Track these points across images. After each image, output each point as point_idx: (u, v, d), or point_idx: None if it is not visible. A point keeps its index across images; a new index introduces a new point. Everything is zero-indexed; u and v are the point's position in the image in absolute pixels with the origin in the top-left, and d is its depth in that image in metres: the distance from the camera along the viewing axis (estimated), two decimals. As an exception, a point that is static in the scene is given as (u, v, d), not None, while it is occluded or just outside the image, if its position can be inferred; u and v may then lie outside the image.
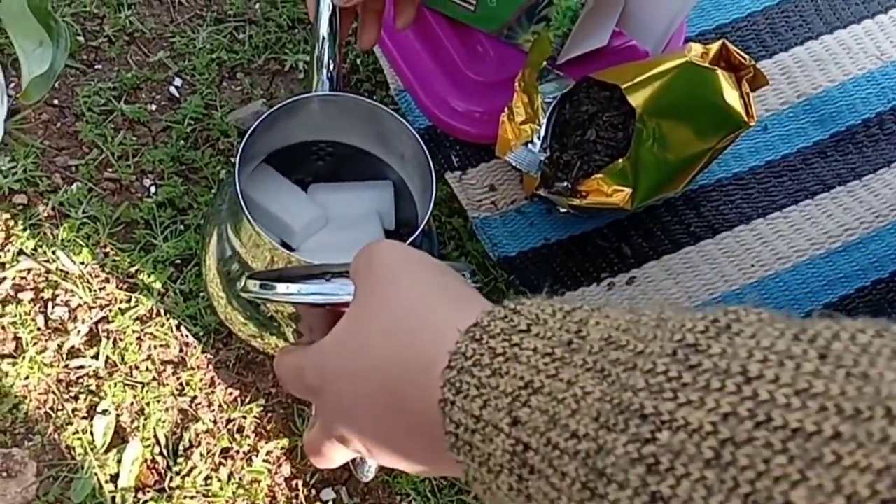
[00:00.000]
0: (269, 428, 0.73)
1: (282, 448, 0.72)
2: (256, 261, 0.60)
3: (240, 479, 0.71)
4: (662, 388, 0.25)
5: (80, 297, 0.75)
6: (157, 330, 0.74)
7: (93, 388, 0.72)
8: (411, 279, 0.37)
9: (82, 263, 0.75)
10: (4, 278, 0.75)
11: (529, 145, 0.73)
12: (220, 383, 0.74)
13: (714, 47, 0.73)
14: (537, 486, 0.28)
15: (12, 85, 0.81)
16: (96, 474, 0.70)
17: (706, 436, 0.23)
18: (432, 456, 0.35)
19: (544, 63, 0.74)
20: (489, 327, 0.32)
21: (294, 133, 0.67)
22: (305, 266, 0.52)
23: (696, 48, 0.73)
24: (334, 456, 0.42)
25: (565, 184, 0.73)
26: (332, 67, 0.64)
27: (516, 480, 0.29)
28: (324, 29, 0.64)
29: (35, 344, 0.73)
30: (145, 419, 0.72)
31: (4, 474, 0.69)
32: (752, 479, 0.22)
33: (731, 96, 0.72)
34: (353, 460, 0.57)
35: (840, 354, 0.23)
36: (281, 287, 0.45)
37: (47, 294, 0.74)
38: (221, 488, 0.70)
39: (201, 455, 0.71)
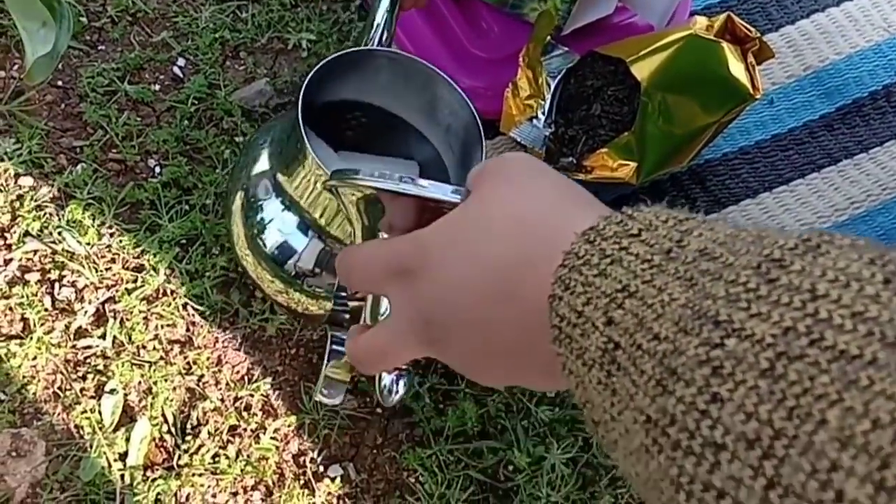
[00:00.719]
0: (276, 406, 0.73)
1: (289, 425, 0.72)
2: (315, 202, 0.60)
3: (248, 456, 0.71)
4: (739, 297, 0.26)
5: (87, 278, 0.75)
6: (163, 309, 0.74)
7: (100, 367, 0.73)
8: (543, 184, 0.39)
9: (88, 244, 0.76)
10: (11, 260, 0.75)
11: (534, 121, 0.73)
12: (226, 362, 0.74)
13: (719, 20, 0.73)
14: (622, 382, 0.29)
15: (16, 66, 0.81)
16: (105, 453, 0.70)
17: (766, 347, 0.25)
18: (523, 347, 0.36)
19: (549, 38, 0.73)
20: (604, 230, 0.33)
21: (343, 88, 0.66)
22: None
23: (701, 21, 0.72)
24: (397, 354, 0.42)
25: (570, 159, 0.73)
26: (385, 37, 0.64)
27: (605, 375, 0.30)
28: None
29: (42, 325, 0.73)
30: (153, 398, 0.72)
31: (14, 454, 0.70)
32: (797, 394, 0.23)
33: (737, 69, 0.72)
34: (381, 382, 0.56)
35: None
36: (384, 172, 0.44)
37: (54, 275, 0.75)
38: (229, 466, 0.71)
39: (209, 433, 0.71)
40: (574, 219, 0.35)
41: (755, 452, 0.24)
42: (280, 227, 0.64)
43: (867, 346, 0.23)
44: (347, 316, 0.65)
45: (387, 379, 0.55)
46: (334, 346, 0.65)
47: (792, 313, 0.25)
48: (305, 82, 0.57)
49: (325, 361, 0.64)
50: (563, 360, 0.33)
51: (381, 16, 0.65)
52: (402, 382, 0.55)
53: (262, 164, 0.66)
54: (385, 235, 0.46)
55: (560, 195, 0.38)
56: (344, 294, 0.64)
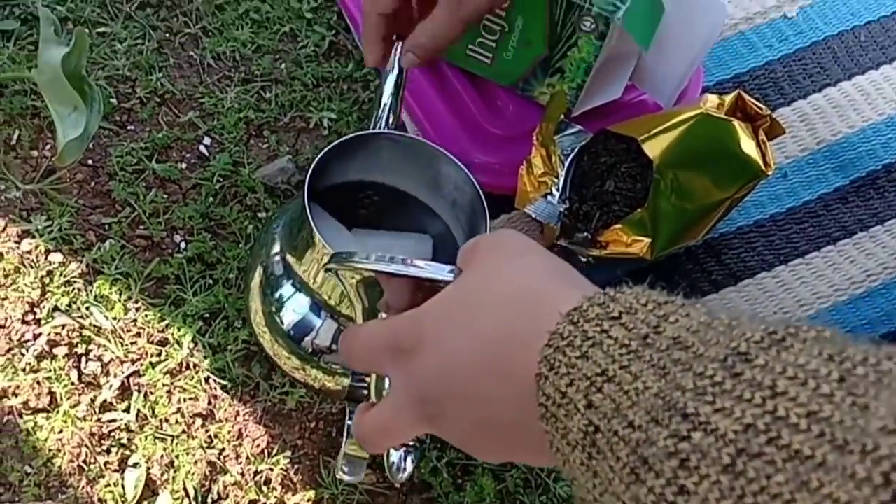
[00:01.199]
0: (295, 480, 0.74)
1: (308, 500, 0.73)
2: (323, 284, 0.61)
3: (267, 530, 0.72)
4: (706, 391, 0.27)
5: (113, 352, 0.76)
6: (186, 383, 0.76)
7: (124, 441, 0.74)
8: (532, 262, 0.40)
9: (115, 319, 0.78)
10: (40, 334, 0.77)
11: (548, 197, 0.75)
12: (247, 435, 0.75)
13: (729, 98, 0.74)
14: (601, 465, 0.30)
15: (48, 146, 0.84)
16: (127, 527, 0.71)
17: (728, 443, 0.26)
18: (516, 424, 0.37)
19: (561, 116, 0.75)
20: (587, 312, 0.34)
21: (350, 169, 0.69)
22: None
23: (712, 99, 0.74)
24: (398, 432, 0.43)
25: (585, 234, 0.74)
26: (390, 121, 0.67)
27: (587, 457, 0.31)
28: (391, 86, 0.67)
29: (69, 398, 0.75)
30: (175, 472, 0.73)
31: (38, 527, 0.71)
32: (755, 492, 0.24)
33: (748, 146, 0.73)
34: (389, 459, 0.57)
35: (856, 381, 0.25)
36: (380, 255, 0.45)
37: (81, 349, 0.76)
38: (249, 540, 0.71)
39: (229, 507, 0.72)
40: (560, 298, 0.36)
41: None
42: (295, 305, 0.66)
43: (818, 448, 0.24)
44: (366, 392, 0.67)
45: (395, 456, 0.56)
46: (350, 422, 0.66)
47: (753, 410, 0.26)
48: (311, 167, 0.59)
49: (345, 438, 0.65)
50: (549, 438, 0.34)
51: (387, 97, 0.68)
52: (409, 459, 0.55)
53: (277, 244, 0.68)
54: (384, 315, 0.48)
55: (548, 272, 0.40)
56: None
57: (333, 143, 0.61)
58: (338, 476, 0.65)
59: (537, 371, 0.34)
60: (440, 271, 0.44)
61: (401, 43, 0.68)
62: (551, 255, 0.41)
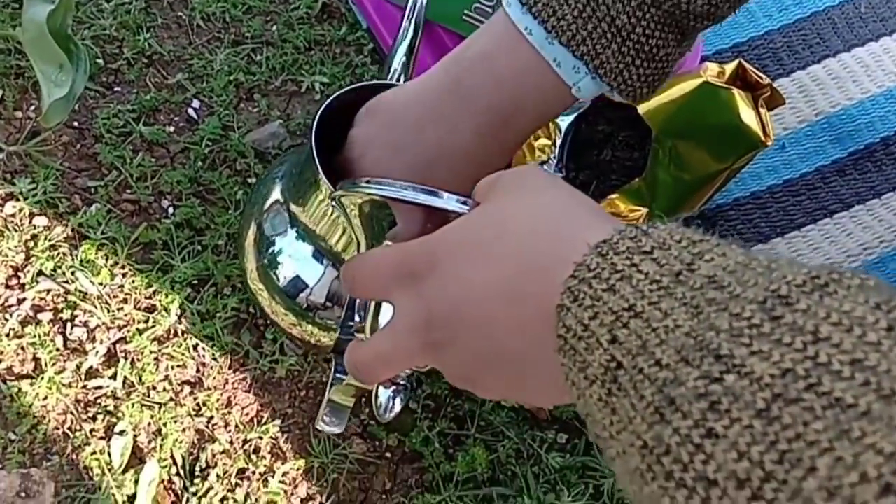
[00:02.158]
0: (285, 449, 0.73)
1: (298, 468, 0.72)
2: (329, 229, 0.61)
3: (256, 500, 0.71)
4: (742, 333, 0.26)
5: (99, 318, 0.75)
6: (174, 350, 0.75)
7: (110, 408, 0.73)
8: (558, 194, 0.39)
9: (101, 284, 0.76)
10: (24, 299, 0.75)
11: (545, 165, 0.73)
12: (236, 404, 0.74)
13: (730, 67, 0.73)
14: (622, 402, 0.29)
15: (33, 107, 0.82)
16: (113, 495, 0.70)
17: (763, 387, 0.25)
18: (524, 355, 0.36)
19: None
20: (617, 244, 0.33)
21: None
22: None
23: (713, 68, 0.73)
24: (398, 360, 0.42)
25: (581, 204, 0.73)
26: (403, 75, 0.66)
27: (606, 393, 0.30)
28: (406, 44, 0.66)
29: (54, 364, 0.73)
30: (162, 440, 0.72)
31: (23, 494, 0.70)
32: (790, 439, 0.23)
33: (748, 116, 0.72)
34: (377, 399, 0.56)
35: None
36: (398, 182, 0.44)
37: (66, 315, 0.75)
38: (238, 509, 0.70)
39: (218, 476, 0.71)
40: (587, 230, 0.35)
41: (744, 493, 0.24)
42: (293, 258, 0.65)
43: (863, 397, 0.23)
44: (357, 333, 0.66)
45: (383, 395, 0.55)
46: (338, 374, 0.65)
47: (792, 354, 0.25)
48: (319, 110, 0.58)
49: (329, 387, 0.64)
50: (566, 370, 0.33)
51: (398, 61, 0.66)
52: (398, 398, 0.54)
53: (275, 197, 0.66)
54: (390, 244, 0.46)
55: (574, 206, 0.38)
56: (352, 324, 0.65)
57: (345, 89, 0.59)
58: (318, 426, 0.63)
59: (559, 302, 0.33)
60: (452, 201, 0.42)
61: None
62: (577, 191, 0.40)
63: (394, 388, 0.55)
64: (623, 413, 0.29)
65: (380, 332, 0.42)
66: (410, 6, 0.67)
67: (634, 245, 0.32)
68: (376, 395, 0.55)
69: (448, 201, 0.42)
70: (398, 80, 0.66)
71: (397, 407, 0.55)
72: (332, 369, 0.65)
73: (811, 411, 0.23)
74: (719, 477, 0.24)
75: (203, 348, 0.75)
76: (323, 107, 0.58)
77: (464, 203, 0.42)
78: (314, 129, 0.57)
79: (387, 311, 0.44)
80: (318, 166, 0.56)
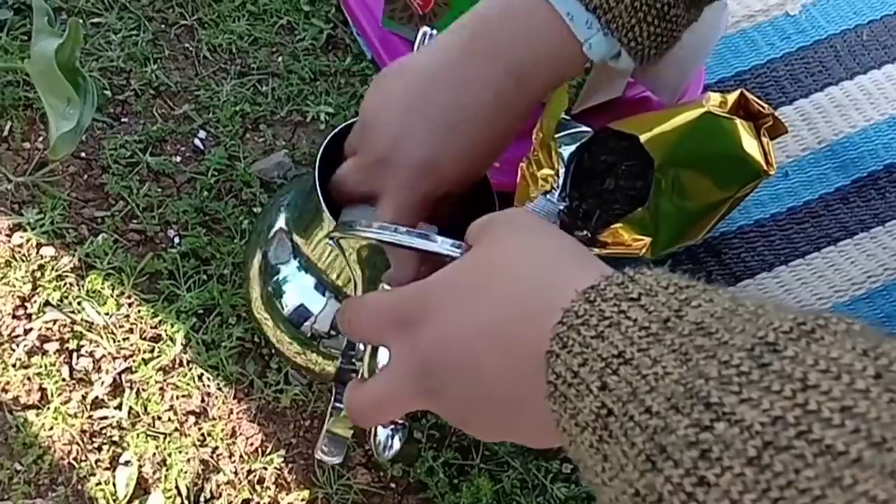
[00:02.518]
0: (289, 479, 0.73)
1: (302, 499, 0.72)
2: (331, 263, 0.61)
3: (260, 530, 0.71)
4: (731, 380, 0.27)
5: (105, 348, 0.75)
6: (179, 380, 0.75)
7: (116, 438, 0.73)
8: (546, 240, 0.39)
9: (107, 314, 0.76)
10: (31, 329, 0.76)
11: (548, 195, 0.74)
12: (241, 433, 0.74)
13: (732, 96, 0.73)
14: (613, 450, 0.30)
15: (41, 138, 0.83)
16: (118, 526, 0.70)
17: (754, 435, 0.25)
18: (516, 402, 0.37)
19: (562, 114, 0.74)
20: (604, 291, 0.33)
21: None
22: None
23: (715, 97, 0.73)
24: (394, 405, 0.42)
25: (585, 233, 0.73)
26: None
27: (597, 440, 0.30)
28: None
29: (60, 395, 0.74)
30: (167, 470, 0.72)
31: (28, 525, 0.70)
32: (782, 486, 0.23)
33: (751, 145, 0.72)
34: (376, 438, 0.56)
35: (894, 377, 0.24)
36: (393, 227, 0.44)
37: (72, 345, 0.75)
38: (242, 540, 0.70)
39: (222, 506, 0.71)
40: (575, 276, 0.35)
41: None
42: (297, 287, 0.65)
43: (853, 444, 0.23)
44: (355, 374, 0.66)
45: (382, 434, 0.55)
46: (337, 404, 0.65)
47: (782, 402, 0.25)
48: (324, 143, 0.58)
49: (328, 417, 0.64)
50: (556, 417, 0.33)
51: None
52: (397, 437, 0.54)
53: (280, 225, 0.67)
54: (387, 288, 0.47)
55: (562, 252, 0.39)
56: (353, 352, 0.65)
57: (347, 122, 0.59)
58: (317, 456, 0.63)
59: (548, 348, 0.33)
60: (445, 245, 0.43)
61: (426, 27, 0.67)
62: (566, 235, 0.40)
63: (392, 426, 0.55)
64: (615, 460, 0.29)
65: (376, 377, 0.42)
66: (420, 39, 0.67)
67: (622, 291, 0.33)
68: (375, 434, 0.55)
69: (441, 245, 0.43)
70: None
71: (396, 446, 0.55)
72: (332, 398, 0.65)
73: (802, 459, 0.24)
74: None
75: (208, 378, 0.75)
76: (326, 140, 0.58)
77: (457, 247, 0.42)
78: (317, 164, 0.57)
79: (385, 350, 0.45)
80: (322, 201, 0.56)
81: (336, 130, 0.59)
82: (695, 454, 0.26)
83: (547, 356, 0.33)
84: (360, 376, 0.49)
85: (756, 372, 0.26)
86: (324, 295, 0.64)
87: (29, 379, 0.74)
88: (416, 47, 0.66)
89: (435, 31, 0.66)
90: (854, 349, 0.26)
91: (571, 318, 0.33)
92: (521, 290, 0.37)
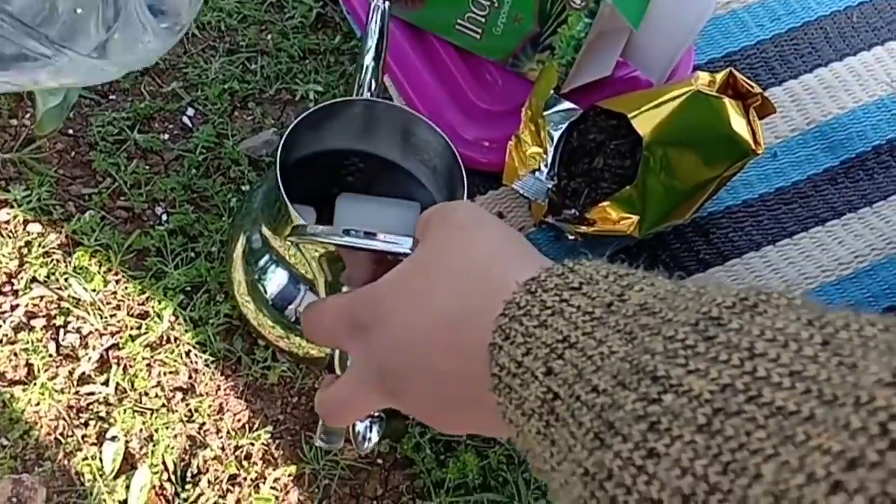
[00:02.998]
0: (276, 455, 0.73)
1: (289, 475, 0.72)
2: (298, 257, 0.61)
3: (247, 506, 0.71)
4: (677, 354, 0.27)
5: (92, 324, 0.75)
6: (166, 356, 0.75)
7: (102, 414, 0.73)
8: (484, 233, 0.40)
9: (94, 291, 0.76)
10: (17, 305, 0.76)
11: (536, 173, 0.74)
12: (228, 410, 0.74)
13: (721, 75, 0.73)
14: (560, 433, 0.30)
15: (28, 115, 0.83)
16: (105, 500, 0.70)
17: (703, 403, 0.25)
18: (467, 398, 0.37)
19: (551, 92, 0.74)
20: (545, 282, 0.34)
21: (329, 139, 0.67)
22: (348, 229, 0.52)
23: (704, 76, 0.73)
24: (358, 406, 0.43)
25: (573, 211, 0.73)
26: (373, 87, 0.66)
27: (544, 426, 0.31)
28: (372, 51, 0.65)
29: (46, 370, 0.74)
30: (154, 446, 0.72)
31: (15, 500, 0.70)
32: (733, 449, 0.24)
33: (739, 124, 0.72)
34: (355, 429, 0.57)
35: (841, 343, 0.25)
36: (339, 230, 0.45)
37: (59, 321, 0.75)
38: (229, 515, 0.70)
39: (209, 482, 0.71)
40: (515, 269, 0.36)
41: None
42: (280, 273, 0.65)
43: (805, 403, 0.23)
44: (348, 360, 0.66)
45: (360, 426, 0.56)
46: None
47: (730, 370, 0.25)
48: (282, 141, 0.58)
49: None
50: (502, 409, 0.34)
51: (368, 60, 0.66)
52: (375, 429, 0.55)
53: (256, 214, 0.67)
54: (346, 289, 0.48)
55: (502, 245, 0.39)
56: None
57: (302, 115, 0.60)
58: (316, 444, 0.64)
59: (491, 341, 0.34)
60: (398, 244, 0.43)
61: (380, 1, 0.66)
62: (505, 226, 0.41)
63: (370, 419, 0.56)
64: (563, 443, 0.30)
65: (341, 379, 0.43)
66: (372, 10, 0.66)
67: (562, 281, 0.33)
68: (353, 427, 0.56)
69: (387, 244, 0.43)
70: (369, 86, 0.66)
71: (374, 438, 0.56)
72: None
73: (753, 421, 0.24)
74: (664, 496, 0.25)
75: (195, 354, 0.75)
76: (287, 133, 0.58)
77: (409, 244, 0.43)
78: (278, 163, 0.57)
79: None
80: (287, 201, 0.56)
81: (294, 124, 0.59)
82: (643, 427, 0.26)
83: (490, 349, 0.34)
84: (333, 373, 0.49)
85: (702, 344, 0.27)
86: (300, 284, 0.64)
87: (16, 355, 0.74)
88: (366, 21, 0.66)
89: (387, 4, 0.65)
90: (799, 319, 0.26)
91: (513, 310, 0.33)
92: (461, 288, 0.37)
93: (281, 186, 0.57)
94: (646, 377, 0.27)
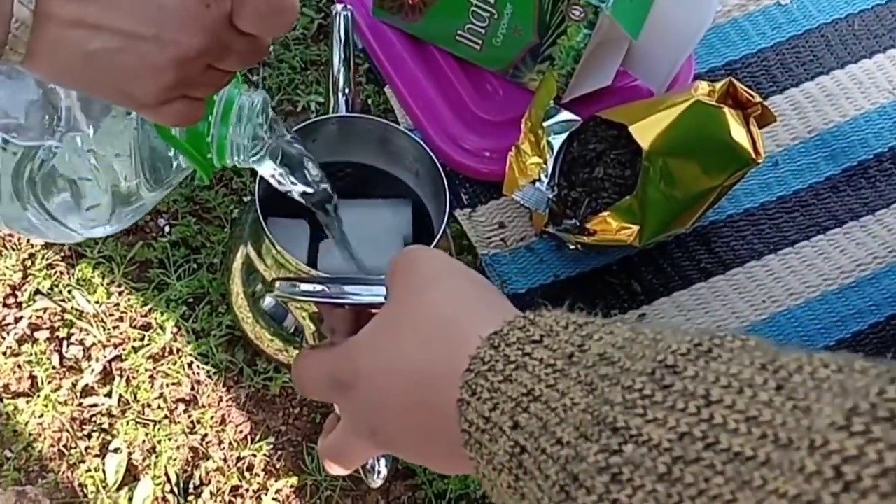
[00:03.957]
0: (278, 466, 0.73)
1: (291, 486, 0.72)
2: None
3: (250, 517, 0.71)
4: (636, 404, 0.27)
5: (95, 336, 0.76)
6: (169, 368, 0.75)
7: (105, 426, 0.73)
8: (448, 287, 0.39)
9: (97, 303, 0.77)
10: (21, 318, 0.76)
11: (537, 183, 0.74)
12: (230, 421, 0.74)
13: (721, 85, 0.73)
14: (529, 486, 0.30)
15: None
16: (108, 512, 0.70)
17: (662, 452, 0.26)
18: (452, 452, 0.37)
19: (551, 102, 0.74)
20: (507, 336, 0.34)
21: (313, 154, 0.68)
22: (330, 277, 0.53)
23: (703, 86, 0.73)
24: (356, 456, 0.43)
25: (573, 221, 0.73)
26: (347, 92, 0.66)
27: (514, 480, 0.31)
28: (338, 55, 0.66)
29: (50, 382, 0.74)
30: (156, 457, 0.72)
31: (18, 512, 0.70)
32: (693, 496, 0.24)
33: (739, 134, 0.72)
34: (364, 465, 0.57)
35: (795, 387, 0.25)
36: (307, 286, 0.45)
37: (62, 333, 0.76)
38: (231, 527, 0.71)
39: (211, 493, 0.72)
40: (480, 323, 0.36)
41: None
42: None
43: (761, 448, 0.24)
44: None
45: (368, 462, 0.56)
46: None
47: (687, 419, 0.26)
48: (258, 178, 0.58)
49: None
50: (475, 464, 0.34)
51: (335, 72, 0.67)
52: (382, 461, 0.55)
53: (246, 238, 0.67)
54: (328, 337, 0.48)
55: (467, 299, 0.39)
56: None
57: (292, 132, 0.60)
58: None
59: (459, 397, 0.34)
60: (372, 295, 0.44)
61: (340, 6, 0.67)
62: (471, 275, 0.41)
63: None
64: (531, 496, 0.30)
65: (337, 430, 0.43)
66: (333, 17, 0.67)
67: (524, 335, 0.33)
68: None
69: (361, 296, 0.44)
70: (343, 92, 0.67)
71: (383, 471, 0.56)
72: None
73: (712, 468, 0.24)
74: None
75: (198, 366, 0.75)
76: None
77: (377, 293, 0.43)
78: (258, 201, 0.58)
79: None
80: (267, 232, 0.57)
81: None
82: (606, 479, 0.26)
83: (458, 405, 0.34)
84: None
85: (659, 393, 0.27)
86: None
87: (19, 367, 0.75)
88: (333, 26, 0.66)
89: (350, 11, 0.66)
90: (752, 364, 0.26)
91: (478, 365, 0.34)
92: (429, 344, 0.37)
93: (266, 230, 0.58)
94: (606, 428, 0.27)
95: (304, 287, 0.46)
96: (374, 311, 0.43)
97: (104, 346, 0.76)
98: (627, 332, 0.31)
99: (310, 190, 0.57)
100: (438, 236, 0.61)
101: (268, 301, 0.65)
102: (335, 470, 0.44)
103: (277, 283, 0.46)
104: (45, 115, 0.45)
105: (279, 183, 0.56)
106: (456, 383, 0.34)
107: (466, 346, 0.35)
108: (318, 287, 0.46)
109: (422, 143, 0.64)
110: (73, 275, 0.77)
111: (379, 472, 0.57)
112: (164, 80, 0.39)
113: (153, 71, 0.38)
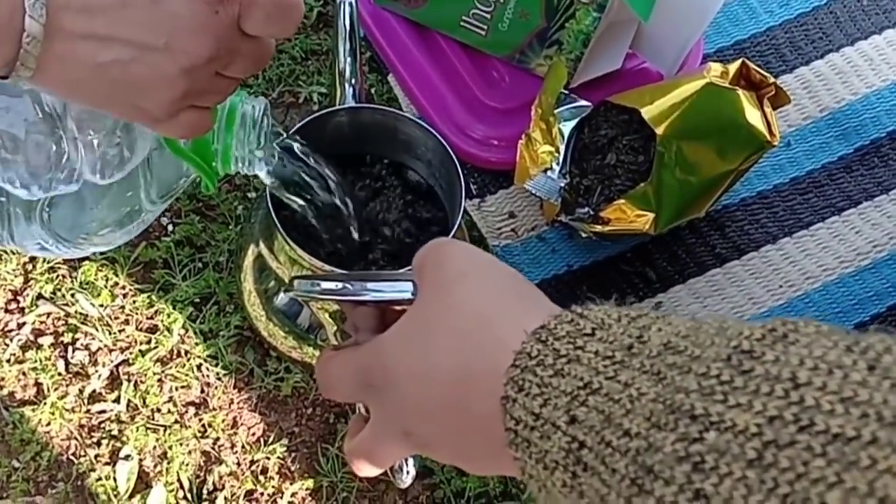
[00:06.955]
0: (293, 469, 0.72)
1: (306, 489, 0.71)
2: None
3: (265, 521, 0.70)
4: (714, 390, 0.26)
5: (100, 340, 0.74)
6: (177, 371, 0.74)
7: (115, 432, 0.72)
8: (479, 281, 0.38)
9: (101, 306, 0.75)
10: (24, 323, 0.74)
11: (548, 172, 0.72)
12: (242, 424, 0.73)
13: (734, 66, 0.72)
14: (590, 482, 0.29)
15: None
16: (120, 521, 0.69)
17: (751, 437, 0.25)
18: (492, 453, 0.36)
19: (560, 89, 0.73)
20: (555, 330, 0.33)
21: (323, 147, 0.67)
22: (351, 274, 0.51)
23: (716, 68, 0.72)
24: (388, 457, 0.42)
25: (587, 210, 0.72)
26: (353, 82, 0.65)
27: (570, 477, 0.30)
28: (344, 45, 0.65)
29: (56, 389, 0.72)
30: (168, 463, 0.71)
31: (28, 523, 0.69)
32: (791, 481, 0.23)
33: (753, 116, 0.71)
34: (392, 466, 0.56)
35: (888, 367, 0.24)
36: (327, 284, 0.44)
37: (67, 338, 0.74)
38: (247, 531, 0.69)
39: (225, 498, 0.70)
40: (521, 316, 0.34)
41: None
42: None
43: (864, 427, 0.23)
44: None
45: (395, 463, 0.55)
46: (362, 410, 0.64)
47: (775, 402, 0.25)
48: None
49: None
50: (520, 464, 0.32)
51: (344, 63, 0.65)
52: (411, 461, 0.54)
53: (258, 236, 0.66)
54: (353, 335, 0.46)
55: (504, 290, 0.38)
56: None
57: (286, 136, 0.58)
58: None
59: (503, 394, 0.33)
60: (396, 291, 0.42)
61: None
62: (496, 268, 0.39)
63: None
64: (592, 493, 0.29)
65: (366, 431, 0.42)
66: (337, 5, 0.65)
67: (574, 328, 0.32)
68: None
69: (388, 293, 0.42)
70: (349, 83, 0.65)
71: (412, 470, 0.55)
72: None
73: (810, 450, 0.23)
74: None
75: (207, 368, 0.74)
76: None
77: (405, 289, 0.41)
78: (269, 196, 0.57)
79: None
80: (280, 229, 0.56)
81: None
82: (686, 468, 0.25)
83: (502, 402, 0.33)
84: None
85: (739, 379, 0.26)
86: None
87: (24, 374, 0.73)
88: (337, 17, 0.64)
89: (355, 1, 0.64)
90: (836, 346, 0.25)
91: (525, 360, 0.32)
92: (463, 342, 0.36)
93: (279, 227, 0.56)
94: (683, 416, 0.26)
95: (325, 285, 0.44)
96: (397, 307, 0.42)
97: (110, 351, 0.74)
98: (688, 321, 0.30)
99: (317, 201, 0.57)
100: (454, 228, 0.59)
101: (281, 298, 0.64)
102: (365, 471, 0.43)
103: (297, 282, 0.45)
104: (47, 145, 0.44)
105: (284, 193, 0.56)
106: (497, 381, 0.33)
107: (504, 342, 0.33)
108: (340, 285, 0.44)
109: (435, 133, 0.63)
110: (75, 278, 0.76)
111: (408, 472, 0.56)
112: (176, 91, 0.38)
113: (165, 81, 0.38)
